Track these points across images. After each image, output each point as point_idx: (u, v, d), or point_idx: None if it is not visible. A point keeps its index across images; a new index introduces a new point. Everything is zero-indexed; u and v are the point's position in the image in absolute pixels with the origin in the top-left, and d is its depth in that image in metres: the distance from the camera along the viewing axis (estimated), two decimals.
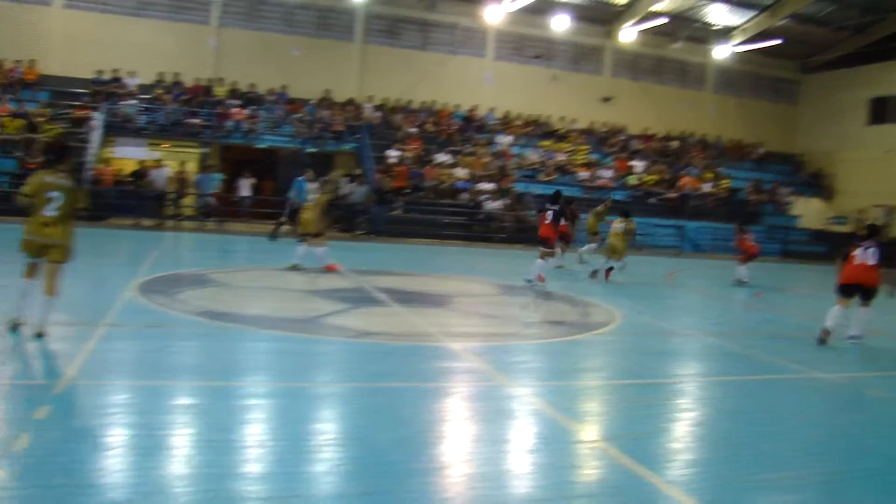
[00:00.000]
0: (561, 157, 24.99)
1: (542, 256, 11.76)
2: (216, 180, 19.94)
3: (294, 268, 11.47)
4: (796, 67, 32.00)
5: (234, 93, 22.65)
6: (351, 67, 24.97)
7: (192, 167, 21.18)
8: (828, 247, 25.92)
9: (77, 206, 5.97)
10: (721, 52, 28.90)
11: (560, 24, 25.93)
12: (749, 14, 27.82)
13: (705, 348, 8.45)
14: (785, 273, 21.06)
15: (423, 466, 3.87)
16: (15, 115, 18.99)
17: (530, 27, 26.80)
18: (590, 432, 4.72)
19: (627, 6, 26.71)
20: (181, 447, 3.95)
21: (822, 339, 8.41)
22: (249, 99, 22.63)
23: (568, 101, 27.28)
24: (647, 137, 28.18)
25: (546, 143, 25.68)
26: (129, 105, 20.78)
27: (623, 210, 14.67)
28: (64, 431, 3.93)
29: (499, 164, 23.24)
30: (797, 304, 14.58)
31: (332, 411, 4.92)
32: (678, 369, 7.23)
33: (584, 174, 24.41)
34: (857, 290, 8.59)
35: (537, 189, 22.59)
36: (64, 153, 6.31)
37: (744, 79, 31.06)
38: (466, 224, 21.43)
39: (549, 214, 11.83)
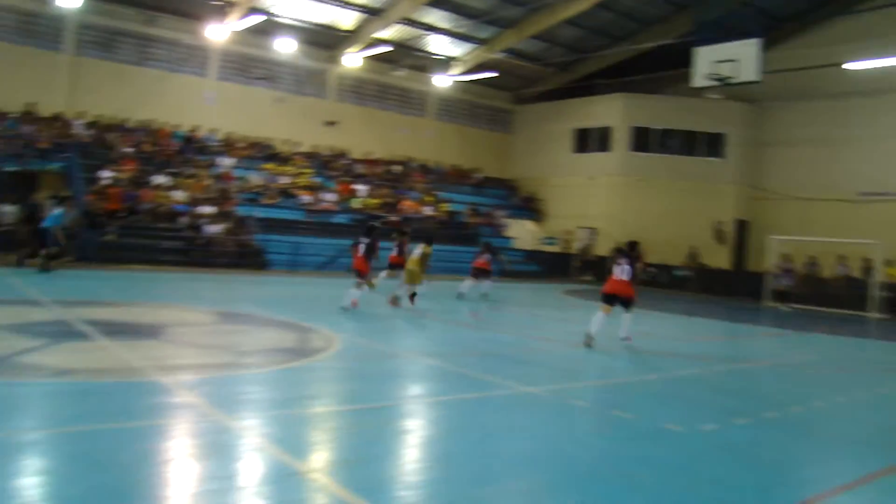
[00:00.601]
0: (284, 180, 30.05)
1: (358, 287, 15.12)
2: None
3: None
4: (510, 99, 40.96)
5: None
6: (59, 80, 27.82)
7: None
8: (540, 266, 35.27)
9: None
10: (441, 82, 36.42)
11: (285, 46, 31.24)
12: (468, 47, 35.16)
13: (423, 369, 10.01)
14: (501, 292, 24.11)
15: None
16: None
17: (255, 48, 31.78)
18: (305, 463, 5.42)
19: (352, 32, 32.53)
20: None
21: (587, 343, 12.18)
22: None
23: (292, 124, 32.76)
24: (370, 161, 34.56)
25: (269, 165, 30.63)
26: None
27: (426, 237, 18.23)
28: None
29: (220, 187, 27.36)
30: (511, 321, 17.01)
31: (19, 464, 5.01)
32: (395, 392, 8.50)
33: (307, 197, 29.82)
34: (616, 300, 12.59)
35: (260, 212, 27.24)
36: None
37: (463, 107, 39.37)
38: (186, 249, 24.57)
39: (362, 247, 15.22)
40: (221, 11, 29.54)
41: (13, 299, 13.35)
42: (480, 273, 21.56)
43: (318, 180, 31.65)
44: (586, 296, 26.05)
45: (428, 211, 33.18)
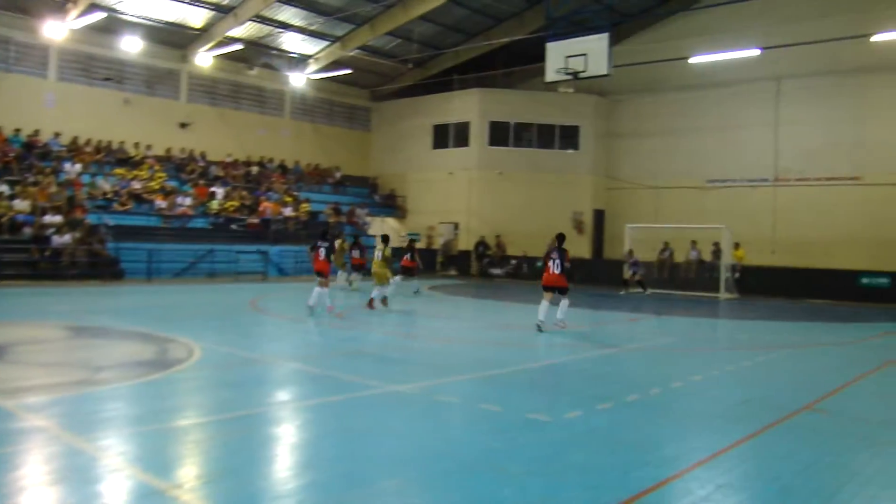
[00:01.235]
0: (136, 185, 28.85)
1: (322, 286, 16.17)
2: None
3: None
4: (368, 96, 40.82)
5: None
6: None
7: None
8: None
9: None
10: (297, 80, 35.86)
11: (131, 45, 30.05)
12: (322, 44, 34.76)
13: (288, 374, 9.92)
14: (366, 290, 24.51)
15: None
16: None
17: (99, 47, 30.29)
18: (168, 481, 5.17)
19: (203, 31, 31.57)
20: None
21: (539, 328, 14.35)
22: None
23: (143, 127, 31.35)
24: (227, 163, 33.68)
25: (120, 170, 29.29)
26: None
27: (382, 237, 19.00)
28: None
29: (67, 195, 25.95)
30: (377, 320, 16.67)
31: None
32: (260, 399, 8.25)
33: (161, 202, 28.94)
34: (553, 289, 14.70)
35: (112, 220, 26.08)
36: None
37: (320, 106, 38.88)
38: (31, 261, 23.28)
39: (322, 251, 16.29)
40: (60, 8, 27.97)
41: None
42: (407, 271, 22.78)
43: (172, 184, 30.51)
44: (451, 291, 26.32)
45: (288, 212, 32.62)
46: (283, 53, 35.15)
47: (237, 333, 13.62)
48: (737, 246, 28.68)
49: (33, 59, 29.33)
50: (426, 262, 35.37)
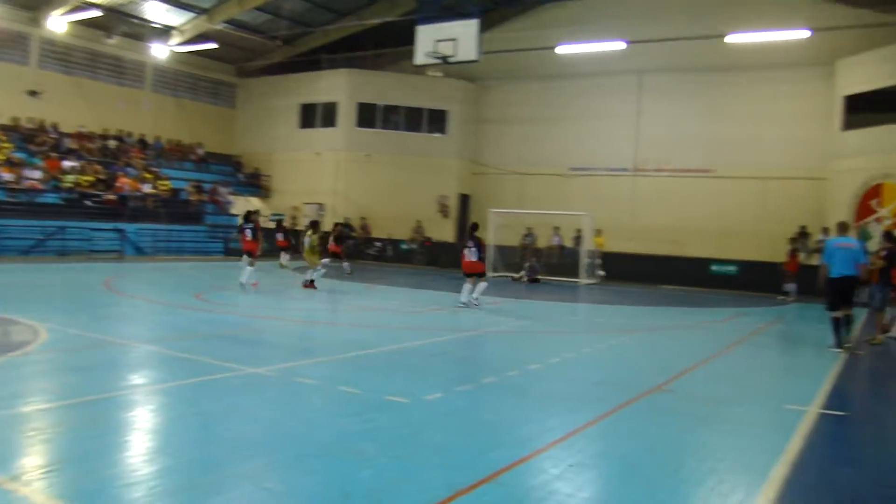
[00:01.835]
0: None
1: (251, 265, 17.99)
2: None
3: None
4: (234, 72, 39.64)
5: None
6: None
7: None
8: (268, 243, 34.53)
9: None
10: (159, 52, 34.42)
11: None
12: (187, 16, 33.45)
13: (141, 356, 9.53)
14: (227, 271, 24.08)
15: None
16: None
17: None
18: (8, 473, 4.85)
19: None
20: None
21: (465, 306, 16.31)
22: None
23: None
24: (81, 136, 31.94)
25: None
26: None
27: (311, 223, 20.29)
28: None
29: None
30: (237, 301, 16.60)
31: None
32: (111, 383, 7.83)
33: (7, 175, 27.29)
34: (470, 275, 16.51)
35: None
36: None
37: (183, 80, 37.46)
38: None
39: (248, 232, 18.35)
40: None
41: None
42: (334, 255, 23.60)
43: (20, 156, 28.68)
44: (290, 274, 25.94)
45: (147, 188, 31.41)
46: (145, 23, 33.53)
47: (89, 315, 13.05)
48: (598, 233, 29.72)
49: None
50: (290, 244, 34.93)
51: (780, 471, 5.94)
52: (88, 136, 32.60)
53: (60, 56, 32.63)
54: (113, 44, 33.91)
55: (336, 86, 36.62)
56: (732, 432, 7.11)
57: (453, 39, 21.19)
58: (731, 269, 27.94)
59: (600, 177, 33.66)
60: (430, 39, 21.45)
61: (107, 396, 7.27)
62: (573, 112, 34.38)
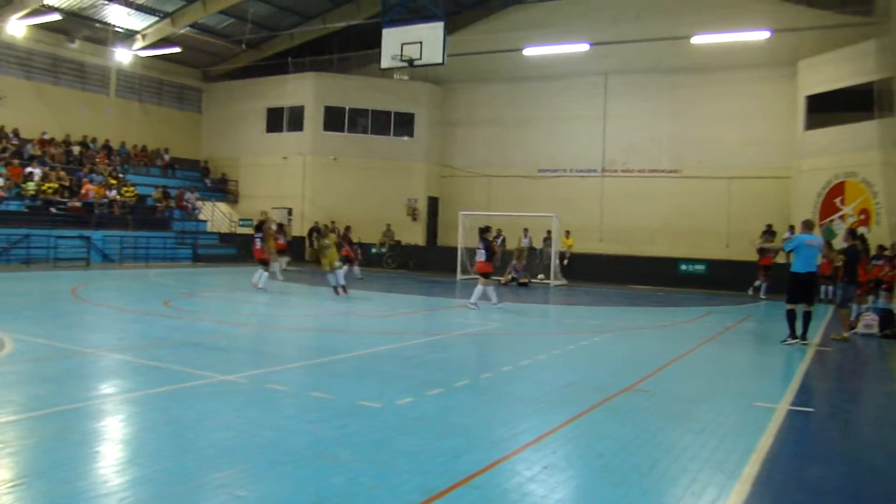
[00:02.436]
0: None
1: (265, 270, 19.74)
2: None
3: None
4: (199, 76, 39.37)
5: None
6: None
7: None
8: (236, 249, 34.48)
9: None
10: (123, 56, 34.22)
11: None
12: (150, 20, 33.17)
13: (110, 365, 9.36)
14: (196, 277, 24.52)
15: None
16: None
17: None
18: None
19: None
20: None
21: (475, 307, 16.80)
22: None
23: None
24: (44, 142, 31.58)
25: None
26: None
27: (316, 227, 19.78)
28: None
29: None
30: (208, 308, 16.75)
31: None
32: (79, 393, 7.72)
33: None
34: (480, 275, 17.39)
35: None
36: None
37: (148, 84, 37.13)
38: None
39: (258, 241, 19.92)
40: None
41: None
42: (346, 259, 23.65)
43: None
44: (289, 278, 25.89)
45: (113, 195, 31.03)
46: (107, 27, 33.14)
47: (55, 324, 12.85)
48: (567, 234, 29.88)
49: None
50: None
51: (751, 469, 6.01)
52: (51, 142, 32.07)
53: (20, 61, 32.14)
54: (75, 48, 33.50)
55: (302, 89, 36.47)
56: (704, 431, 7.16)
57: (419, 42, 21.16)
58: (700, 268, 28.25)
59: (568, 178, 33.86)
60: (396, 42, 21.40)
61: (75, 407, 7.15)
62: (540, 114, 34.56)
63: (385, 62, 21.87)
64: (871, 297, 18.96)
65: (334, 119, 36.47)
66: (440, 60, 21.16)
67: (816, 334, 14.95)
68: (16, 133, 31.05)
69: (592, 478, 5.76)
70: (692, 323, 17.36)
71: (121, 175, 33.05)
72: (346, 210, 34.81)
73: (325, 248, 19.23)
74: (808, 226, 13.87)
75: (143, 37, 34.24)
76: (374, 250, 34.35)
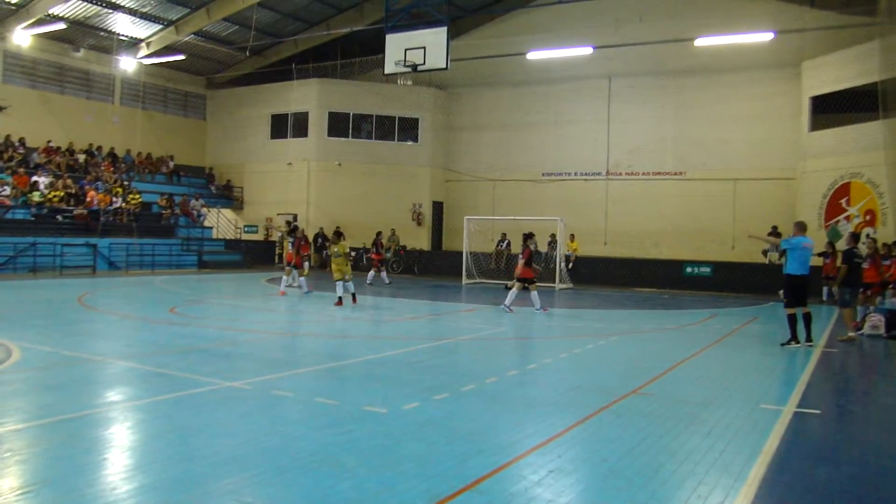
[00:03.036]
0: None
1: (288, 274, 21.37)
2: None
3: None
4: (203, 83, 39.53)
5: None
6: None
7: None
8: (242, 255, 34.56)
9: None
10: (128, 64, 34.45)
11: None
12: (155, 27, 33.34)
13: (118, 373, 9.37)
14: (202, 284, 24.69)
15: None
16: None
17: None
18: None
19: (20, 6, 29.41)
20: None
21: (508, 311, 17.42)
22: None
23: None
24: (50, 150, 31.74)
25: None
26: None
27: (337, 233, 19.64)
28: None
29: None
30: (213, 314, 16.80)
31: None
32: (87, 400, 7.77)
33: None
34: (520, 280, 18.00)
35: None
36: None
37: (153, 92, 37.28)
38: None
39: (290, 244, 21.19)
40: None
41: None
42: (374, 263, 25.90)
43: None
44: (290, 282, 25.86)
45: (118, 203, 31.12)
46: (112, 35, 33.35)
47: (62, 332, 12.82)
48: (572, 237, 29.87)
49: None
50: (263, 256, 34.90)
51: (757, 471, 6.00)
52: (57, 151, 32.16)
53: (26, 70, 32.37)
54: (80, 57, 33.68)
55: (306, 96, 36.56)
56: (710, 434, 7.15)
57: (422, 47, 21.22)
58: (706, 270, 28.21)
59: (573, 181, 33.86)
60: (400, 48, 21.47)
61: (83, 414, 7.16)
62: (544, 117, 34.59)
63: (389, 68, 21.94)
64: (879, 298, 18.90)
65: (339, 125, 36.55)
66: (444, 65, 21.21)
67: (822, 336, 14.92)
68: (22, 142, 31.19)
69: (598, 481, 5.76)
70: (698, 325, 17.35)
71: (126, 183, 33.03)
72: (351, 215, 34.88)
73: (333, 256, 19.02)
74: (801, 228, 13.86)
75: (148, 45, 34.32)
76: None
